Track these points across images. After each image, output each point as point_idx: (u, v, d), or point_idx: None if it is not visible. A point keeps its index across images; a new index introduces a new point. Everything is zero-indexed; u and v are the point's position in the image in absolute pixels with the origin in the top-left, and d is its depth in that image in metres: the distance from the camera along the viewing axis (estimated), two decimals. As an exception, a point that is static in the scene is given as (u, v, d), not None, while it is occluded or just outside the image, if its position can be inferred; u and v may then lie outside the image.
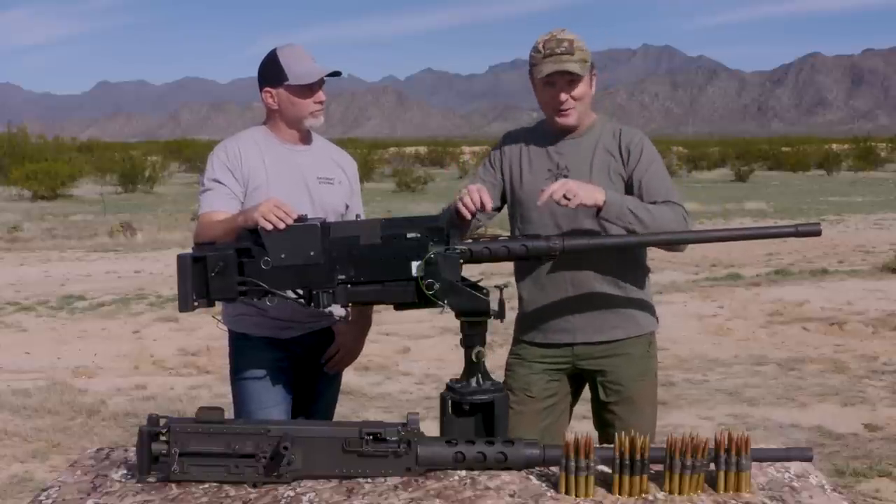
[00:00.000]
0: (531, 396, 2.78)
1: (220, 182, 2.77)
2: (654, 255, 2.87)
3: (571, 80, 2.65)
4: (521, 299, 2.84)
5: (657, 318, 2.86)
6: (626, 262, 2.73)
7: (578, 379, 2.84)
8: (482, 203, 2.44)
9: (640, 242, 2.65)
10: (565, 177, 2.67)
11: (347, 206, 2.99)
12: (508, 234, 2.65)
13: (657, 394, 2.89)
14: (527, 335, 2.82)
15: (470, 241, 2.25)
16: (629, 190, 2.68)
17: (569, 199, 2.41)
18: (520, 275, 2.82)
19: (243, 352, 2.90)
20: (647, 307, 2.80)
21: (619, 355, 2.75)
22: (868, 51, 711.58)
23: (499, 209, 2.88)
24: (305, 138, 2.94)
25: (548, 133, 2.79)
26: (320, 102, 2.85)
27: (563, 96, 2.67)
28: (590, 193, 2.45)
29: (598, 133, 2.75)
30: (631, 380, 2.76)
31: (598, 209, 2.48)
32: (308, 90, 2.81)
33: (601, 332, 2.74)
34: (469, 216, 2.48)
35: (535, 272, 2.75)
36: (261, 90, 2.87)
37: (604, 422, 2.81)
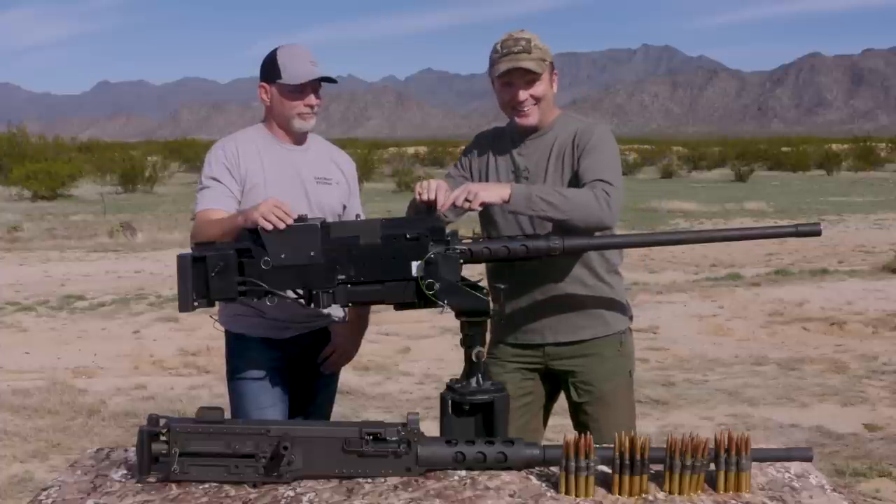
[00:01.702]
0: None
1: (217, 180, 2.77)
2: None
3: (529, 79, 2.64)
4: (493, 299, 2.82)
5: (630, 317, 2.85)
6: (595, 262, 2.72)
7: (553, 379, 2.84)
8: (436, 200, 2.37)
9: (639, 243, 2.64)
10: (526, 178, 2.68)
11: (345, 207, 2.99)
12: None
13: (634, 392, 2.89)
14: (500, 335, 2.82)
15: (470, 240, 2.25)
16: (576, 179, 2.63)
17: (470, 201, 2.38)
18: (492, 275, 2.81)
19: (240, 352, 2.90)
20: (617, 307, 2.79)
21: (589, 355, 2.75)
22: (868, 51, 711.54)
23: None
24: (302, 138, 2.93)
25: (514, 134, 2.78)
26: (310, 106, 2.83)
27: (522, 95, 2.66)
28: (492, 191, 2.41)
29: (558, 130, 2.73)
30: (602, 379, 2.75)
31: (506, 203, 2.43)
32: (298, 91, 2.81)
33: (570, 333, 2.74)
34: (424, 209, 2.44)
35: (507, 273, 2.72)
36: (259, 85, 2.89)
37: (579, 423, 2.80)
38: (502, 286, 2.22)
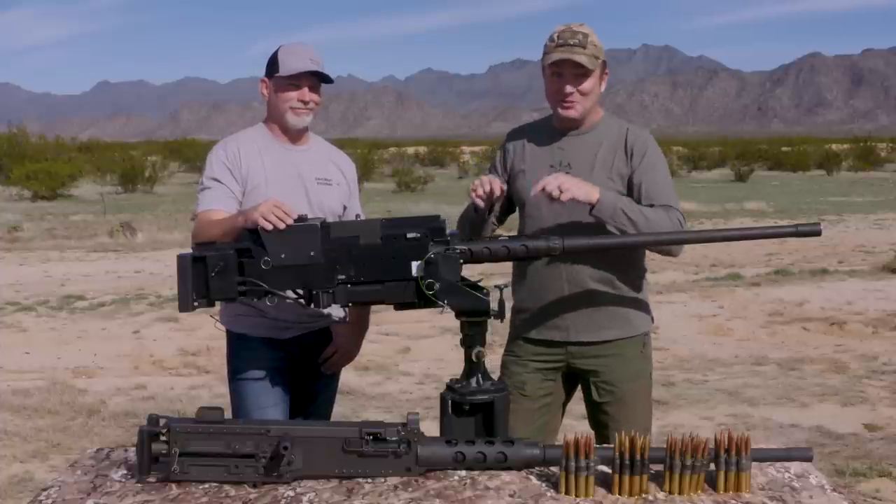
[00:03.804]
0: (525, 395, 2.79)
1: (218, 181, 2.77)
2: (653, 255, 2.88)
3: (579, 73, 2.65)
4: (516, 295, 2.84)
5: (652, 318, 2.86)
6: (623, 262, 2.73)
7: (573, 378, 2.85)
8: (492, 190, 2.50)
9: (640, 243, 2.64)
10: (567, 173, 2.67)
11: (345, 208, 2.99)
12: (511, 234, 2.66)
13: (652, 394, 2.90)
14: (521, 332, 2.83)
15: (470, 240, 2.25)
16: (629, 190, 2.67)
17: (561, 192, 2.41)
18: (517, 271, 2.82)
19: (241, 352, 2.90)
20: (642, 308, 2.81)
21: (612, 356, 2.75)
22: (868, 51, 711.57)
23: (512, 210, 2.88)
24: (300, 136, 2.93)
25: (553, 128, 2.79)
26: (304, 101, 2.83)
27: (569, 88, 2.66)
28: (584, 190, 2.46)
29: (603, 131, 2.74)
30: (624, 381, 2.76)
31: (591, 207, 2.48)
32: (293, 85, 2.81)
33: (595, 332, 2.74)
34: (482, 204, 2.53)
35: (532, 269, 2.75)
36: (260, 80, 2.91)
37: (598, 422, 2.81)
38: (504, 285, 2.22)
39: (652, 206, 2.60)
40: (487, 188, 2.50)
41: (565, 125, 2.75)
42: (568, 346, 2.76)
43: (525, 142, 2.83)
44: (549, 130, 2.79)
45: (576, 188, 2.43)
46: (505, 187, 2.55)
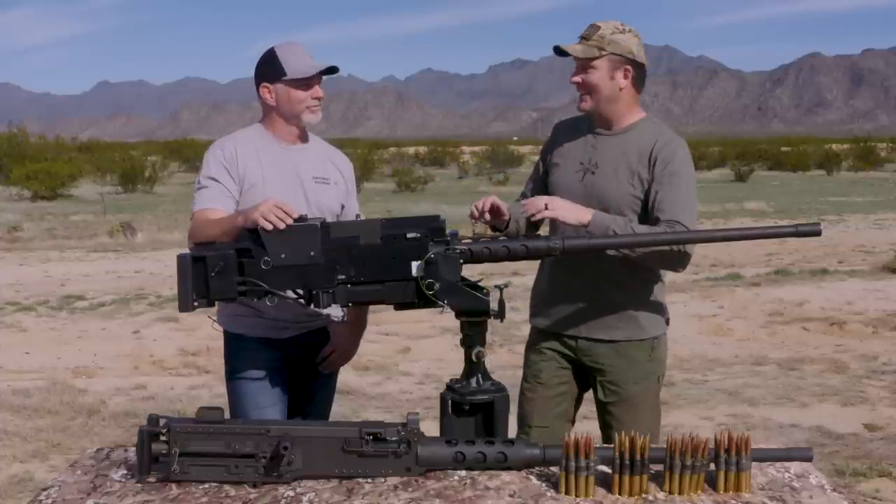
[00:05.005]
0: (541, 383, 2.83)
1: (215, 180, 2.77)
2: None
3: (580, 64, 2.68)
4: (537, 285, 2.89)
5: (667, 321, 2.85)
6: (641, 267, 2.72)
7: (584, 373, 2.87)
8: (482, 211, 2.55)
9: (639, 242, 2.65)
10: (592, 173, 2.70)
11: (343, 207, 2.99)
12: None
13: (660, 397, 2.89)
14: (538, 322, 2.88)
15: (470, 240, 2.25)
16: (647, 198, 2.67)
17: (547, 209, 2.48)
18: (540, 263, 2.87)
19: (239, 352, 2.90)
20: (654, 311, 2.80)
21: (620, 356, 2.76)
22: (868, 51, 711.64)
23: None
24: (302, 137, 2.93)
25: (591, 125, 2.80)
26: (318, 98, 2.84)
27: (574, 79, 2.71)
28: (573, 214, 2.51)
29: (638, 134, 2.73)
30: (630, 382, 2.76)
31: (584, 226, 2.52)
32: (305, 84, 2.81)
33: (603, 331, 2.75)
34: (472, 221, 2.58)
35: (550, 263, 2.81)
36: (258, 87, 2.86)
37: (604, 422, 2.84)
38: (504, 285, 2.22)
39: (658, 220, 2.59)
40: (481, 206, 2.56)
41: (595, 122, 2.77)
42: (578, 341, 2.79)
43: (566, 137, 2.86)
44: (588, 127, 2.80)
45: (563, 210, 2.49)
46: (504, 208, 2.58)
